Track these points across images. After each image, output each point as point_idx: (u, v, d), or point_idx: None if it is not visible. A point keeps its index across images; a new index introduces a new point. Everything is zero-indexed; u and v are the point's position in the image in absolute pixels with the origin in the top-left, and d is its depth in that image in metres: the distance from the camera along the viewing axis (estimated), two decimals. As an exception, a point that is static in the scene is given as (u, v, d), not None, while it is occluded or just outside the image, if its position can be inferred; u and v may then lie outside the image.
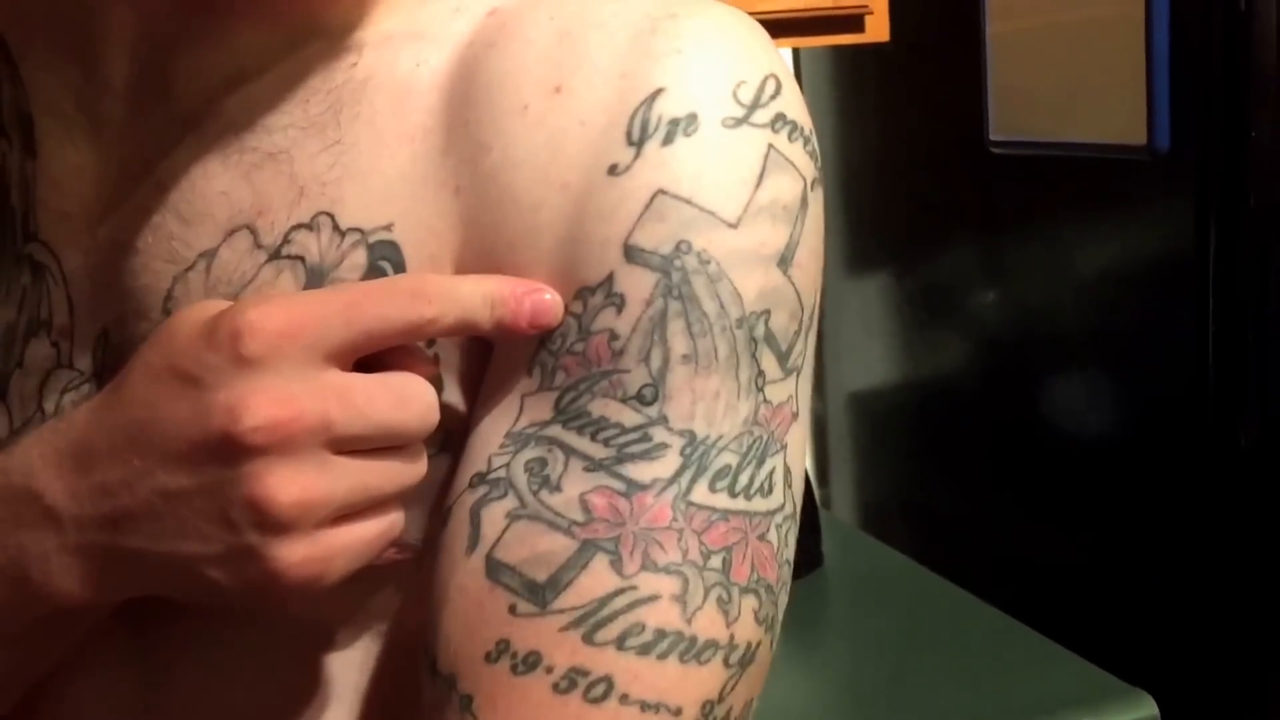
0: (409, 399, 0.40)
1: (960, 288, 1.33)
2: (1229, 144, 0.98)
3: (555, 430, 0.41)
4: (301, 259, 0.43)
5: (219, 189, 0.44)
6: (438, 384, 0.43)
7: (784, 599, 0.43)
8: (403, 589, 0.46)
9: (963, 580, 1.27)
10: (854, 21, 1.22)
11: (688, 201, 0.40)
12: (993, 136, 1.19)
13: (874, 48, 1.23)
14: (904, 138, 1.42)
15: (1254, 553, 1.03)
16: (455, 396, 0.44)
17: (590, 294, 0.40)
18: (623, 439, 0.40)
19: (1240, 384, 1.01)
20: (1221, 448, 1.03)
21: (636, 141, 0.40)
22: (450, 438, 0.44)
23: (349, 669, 0.48)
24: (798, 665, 1.18)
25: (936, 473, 1.43)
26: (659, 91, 0.41)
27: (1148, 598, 1.12)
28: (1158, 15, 0.99)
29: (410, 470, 0.41)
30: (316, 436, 0.38)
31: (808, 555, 1.32)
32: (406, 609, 0.46)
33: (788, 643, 1.22)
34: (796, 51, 1.57)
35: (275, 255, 0.43)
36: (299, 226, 0.43)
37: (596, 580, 0.39)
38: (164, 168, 0.45)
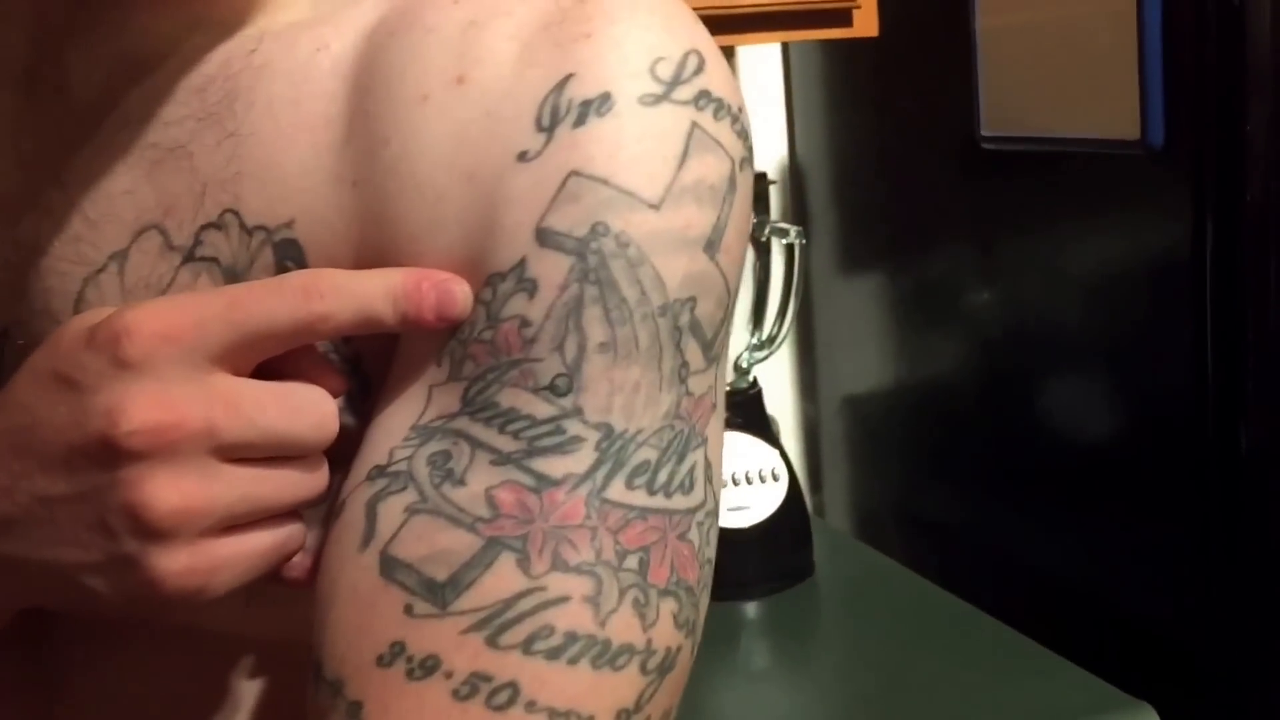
0: (303, 408, 0.40)
1: (954, 288, 1.32)
2: (1224, 138, 0.97)
3: (462, 423, 0.39)
4: (216, 260, 0.43)
5: (122, 188, 0.43)
6: (352, 396, 0.42)
7: (705, 601, 0.42)
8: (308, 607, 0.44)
9: (960, 589, 1.26)
10: (841, 15, 1.22)
11: (604, 182, 0.38)
12: (984, 132, 1.18)
13: (864, 42, 1.23)
14: (895, 134, 1.40)
15: (1256, 559, 1.02)
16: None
17: (501, 280, 0.39)
18: (533, 431, 0.38)
19: (1240, 385, 1.00)
20: (1222, 451, 1.01)
21: (547, 127, 0.39)
22: None
23: (249, 686, 0.47)
24: (788, 678, 1.16)
25: (932, 478, 1.41)
26: (569, 77, 0.39)
27: (1149, 606, 1.12)
28: (1150, 9, 0.98)
29: (308, 482, 0.41)
30: (200, 443, 0.37)
31: (798, 564, 1.31)
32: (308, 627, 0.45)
33: (778, 655, 1.22)
34: (785, 46, 1.57)
35: (190, 258, 0.43)
36: (208, 226, 0.43)
37: (501, 580, 0.37)
38: (66, 165, 0.44)
